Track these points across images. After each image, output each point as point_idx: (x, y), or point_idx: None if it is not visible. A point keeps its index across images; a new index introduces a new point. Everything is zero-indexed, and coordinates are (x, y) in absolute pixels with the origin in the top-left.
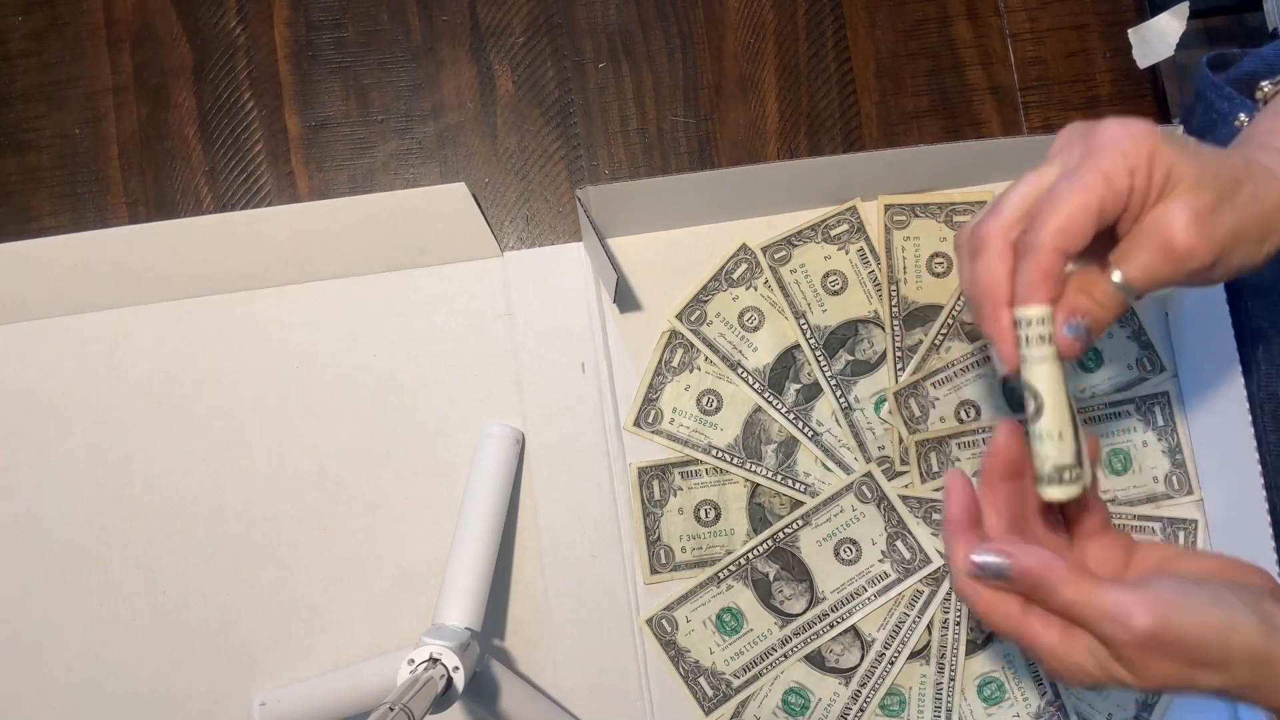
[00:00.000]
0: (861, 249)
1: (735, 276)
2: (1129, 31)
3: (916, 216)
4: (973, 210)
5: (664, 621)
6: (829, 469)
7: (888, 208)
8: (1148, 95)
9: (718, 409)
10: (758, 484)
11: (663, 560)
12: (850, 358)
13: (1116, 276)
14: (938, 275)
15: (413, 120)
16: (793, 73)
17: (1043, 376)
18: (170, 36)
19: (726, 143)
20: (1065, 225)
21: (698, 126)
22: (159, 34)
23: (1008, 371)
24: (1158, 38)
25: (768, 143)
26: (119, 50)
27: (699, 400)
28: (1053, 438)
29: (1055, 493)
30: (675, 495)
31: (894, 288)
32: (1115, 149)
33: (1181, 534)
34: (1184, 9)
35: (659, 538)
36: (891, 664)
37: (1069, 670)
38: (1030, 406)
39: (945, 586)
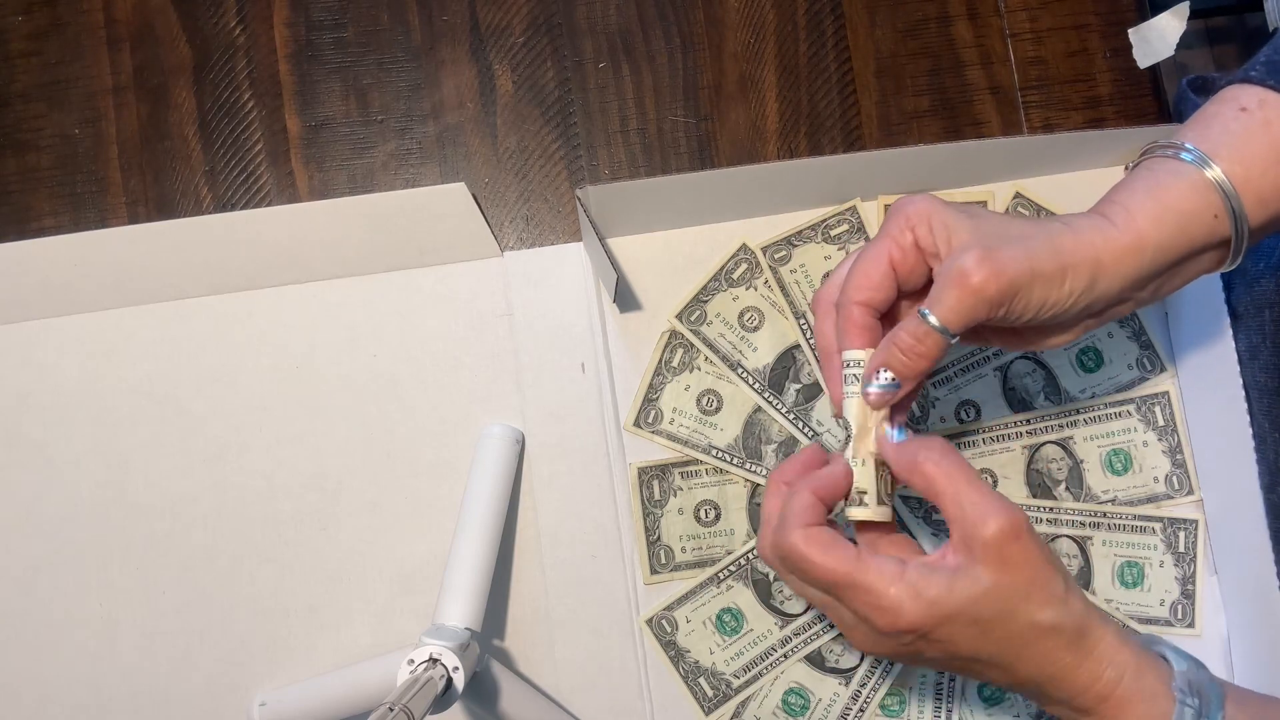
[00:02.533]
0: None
1: (735, 276)
2: (1129, 31)
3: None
4: None
5: (664, 621)
6: None
7: (888, 207)
8: (1148, 95)
9: (718, 409)
10: (758, 484)
11: (663, 560)
12: None
13: (930, 318)
14: None
15: (413, 120)
16: (793, 73)
17: (853, 410)
18: (170, 36)
19: (726, 143)
20: (861, 282)
21: (698, 126)
22: (159, 34)
23: (835, 412)
24: (1158, 37)
25: (768, 143)
26: (119, 50)
27: (699, 400)
28: (855, 464)
29: (854, 513)
30: (675, 495)
31: None
32: (899, 214)
33: (1182, 534)
34: (1184, 9)
35: (659, 538)
36: (891, 664)
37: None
38: (843, 435)
39: None
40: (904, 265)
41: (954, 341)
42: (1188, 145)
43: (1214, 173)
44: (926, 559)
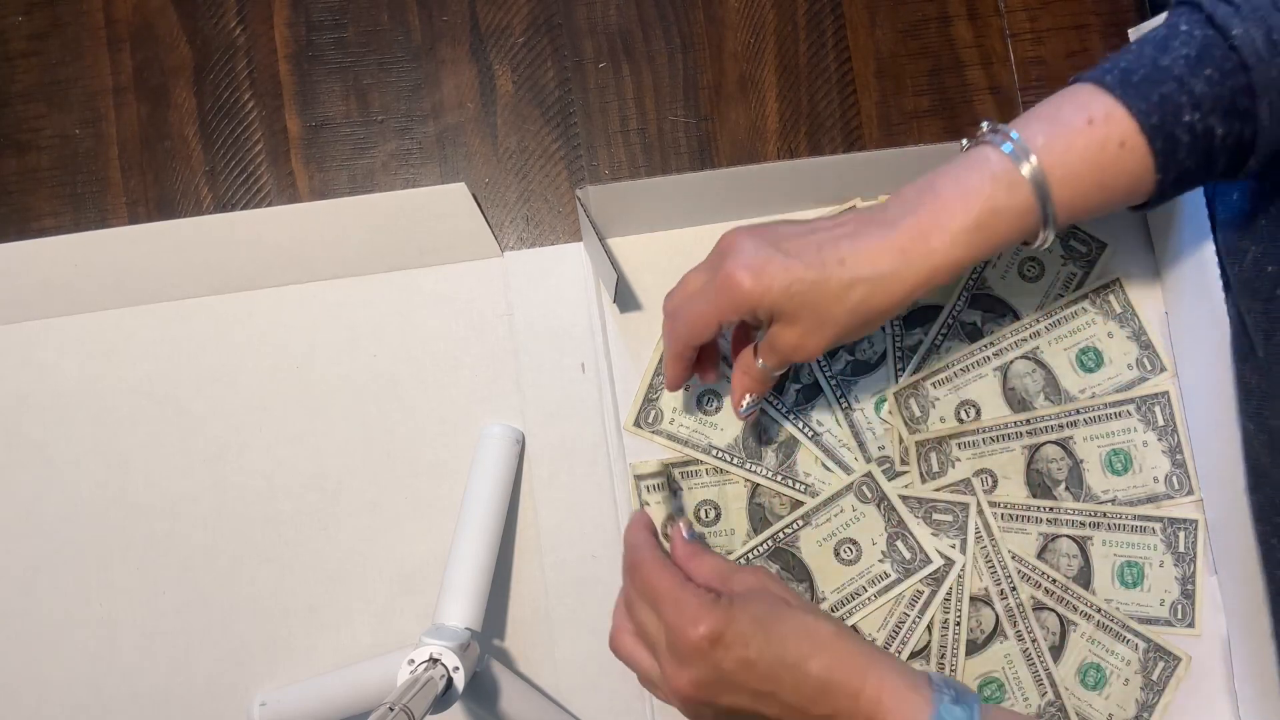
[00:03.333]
0: None
1: None
2: (1130, 31)
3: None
4: None
5: None
6: (829, 469)
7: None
8: None
9: (718, 409)
10: (758, 484)
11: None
12: (850, 358)
13: (759, 364)
14: None
15: (413, 120)
16: (793, 72)
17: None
18: (170, 37)
19: (726, 143)
20: (687, 334)
21: (698, 126)
22: (159, 34)
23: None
24: None
25: (768, 143)
26: (119, 50)
27: (699, 400)
28: None
29: None
30: (676, 495)
31: None
32: (733, 290)
33: (1182, 534)
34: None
35: (659, 538)
36: None
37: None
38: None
39: (946, 586)
40: (730, 320)
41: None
42: (1031, 158)
43: (1041, 190)
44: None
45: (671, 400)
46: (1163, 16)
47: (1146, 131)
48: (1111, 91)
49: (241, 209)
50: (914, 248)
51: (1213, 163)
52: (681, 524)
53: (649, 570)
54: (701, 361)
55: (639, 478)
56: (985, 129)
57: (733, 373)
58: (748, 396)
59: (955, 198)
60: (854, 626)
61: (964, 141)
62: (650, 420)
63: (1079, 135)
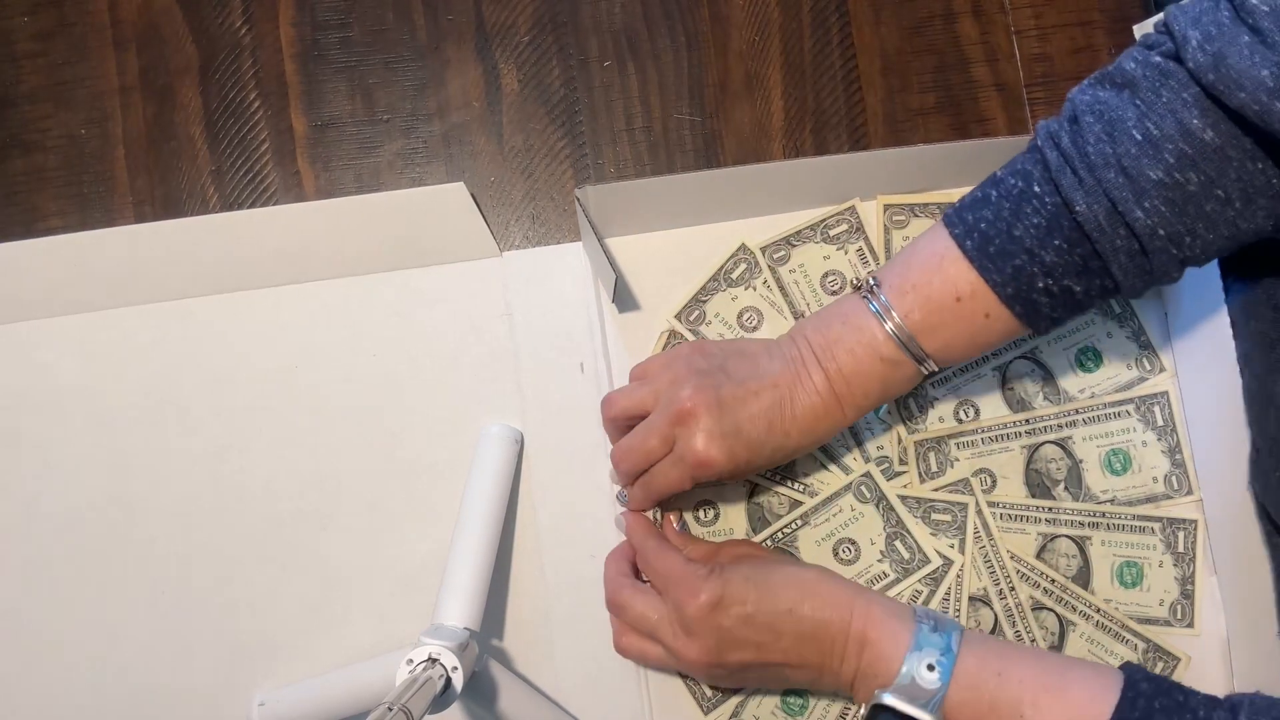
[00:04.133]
0: (861, 249)
1: (734, 276)
2: (1135, 28)
3: (915, 216)
4: None
5: None
6: (828, 469)
7: (887, 207)
8: None
9: None
10: (756, 484)
11: None
12: None
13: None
14: None
15: (418, 119)
16: (798, 70)
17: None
18: (176, 37)
19: (732, 141)
20: (658, 498)
21: (703, 124)
22: (165, 34)
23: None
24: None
25: (773, 140)
26: (125, 50)
27: None
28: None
29: None
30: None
31: None
32: (708, 470)
33: (1181, 534)
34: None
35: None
36: None
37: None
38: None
39: (945, 586)
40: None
41: None
42: (912, 343)
43: (921, 360)
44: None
45: None
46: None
47: (1005, 302)
48: (972, 262)
49: (247, 208)
50: (835, 416)
51: (1083, 307)
52: (672, 516)
53: (655, 556)
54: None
55: None
56: (865, 294)
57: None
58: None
59: (855, 375)
60: None
61: (851, 284)
62: None
63: (949, 311)
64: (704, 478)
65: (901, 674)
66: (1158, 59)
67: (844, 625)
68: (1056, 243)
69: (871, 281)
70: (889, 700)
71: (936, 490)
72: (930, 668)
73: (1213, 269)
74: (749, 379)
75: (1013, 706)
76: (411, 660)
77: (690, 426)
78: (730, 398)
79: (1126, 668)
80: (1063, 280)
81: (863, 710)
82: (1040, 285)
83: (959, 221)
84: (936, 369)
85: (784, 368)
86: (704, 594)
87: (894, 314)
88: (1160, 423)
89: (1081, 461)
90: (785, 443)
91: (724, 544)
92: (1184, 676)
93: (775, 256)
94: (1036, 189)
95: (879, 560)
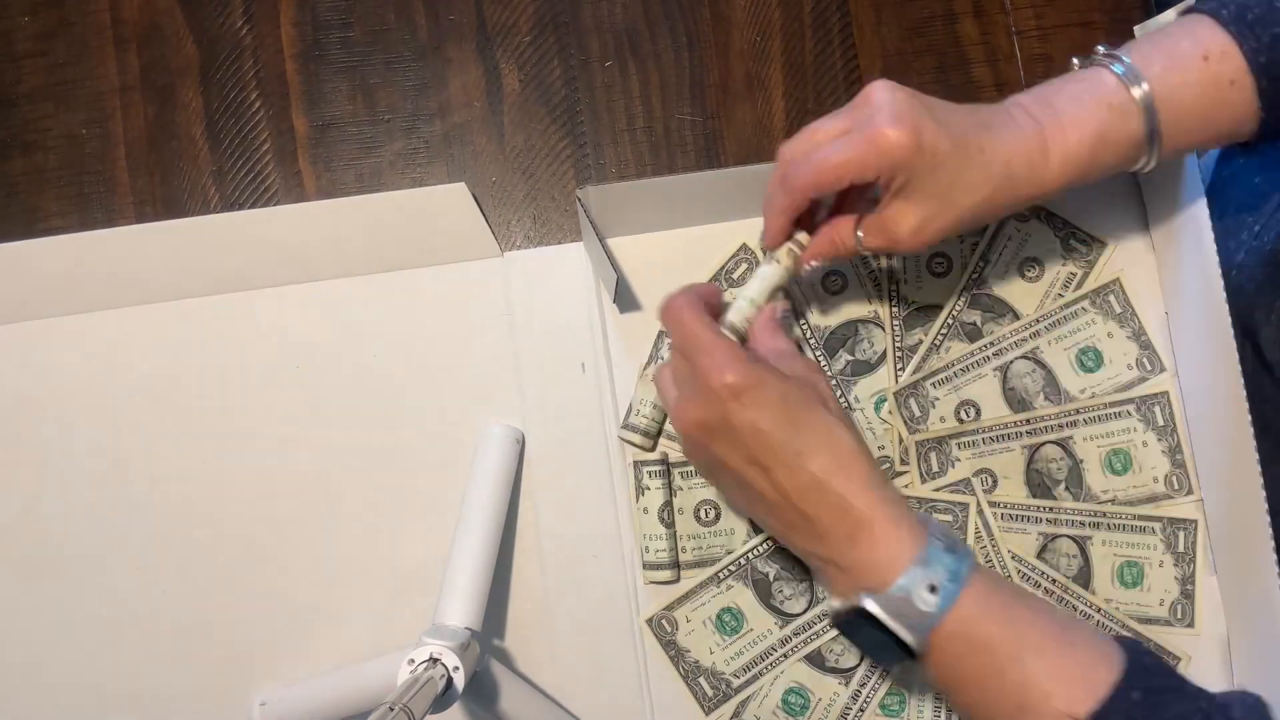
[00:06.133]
0: None
1: (735, 276)
2: (1135, 29)
3: (825, 264)
4: None
5: (664, 621)
6: None
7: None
8: None
9: None
10: None
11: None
12: (850, 358)
13: (858, 237)
14: (938, 275)
15: (419, 119)
16: (799, 70)
17: (767, 274)
18: (177, 36)
19: (733, 141)
20: (813, 182)
21: (704, 125)
22: (165, 34)
23: (764, 245)
24: None
25: (774, 140)
26: (126, 50)
27: None
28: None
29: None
30: (676, 495)
31: (894, 288)
32: (885, 142)
33: (1181, 534)
34: (1189, 5)
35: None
36: (888, 669)
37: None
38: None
39: None
40: (857, 181)
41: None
42: (1144, 85)
43: (1151, 120)
44: None
45: None
46: (1171, 14)
47: (1254, 70)
48: (1227, 27)
49: (248, 209)
50: (1038, 160)
51: None
52: (779, 305)
53: (688, 319)
54: (803, 221)
55: (639, 464)
56: (1101, 52)
57: (818, 233)
58: (818, 260)
59: (1073, 120)
60: None
61: (1075, 60)
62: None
63: (1193, 71)
64: (874, 161)
65: (897, 585)
66: None
67: (845, 505)
68: None
69: (1102, 48)
70: (872, 608)
71: (937, 490)
72: (932, 589)
73: (1213, 267)
74: (947, 102)
75: (1013, 652)
76: (413, 660)
77: (876, 104)
78: (930, 100)
79: (1127, 641)
80: None
81: (830, 603)
82: None
83: (1208, 1)
84: (1157, 148)
85: (988, 106)
86: (730, 375)
87: (1126, 59)
88: (1161, 423)
89: (1082, 461)
90: (979, 160)
91: (798, 359)
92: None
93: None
94: None
95: None
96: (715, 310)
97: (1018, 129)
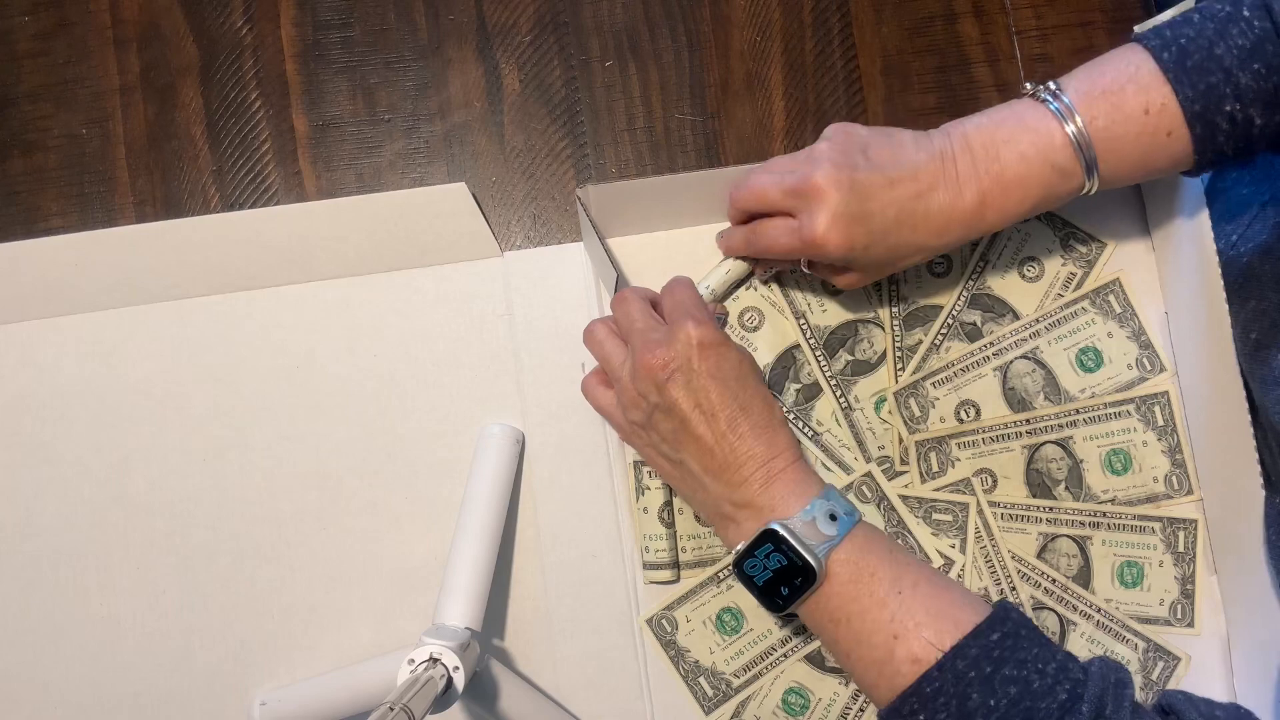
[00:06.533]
0: None
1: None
2: (1135, 28)
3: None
4: None
5: (664, 621)
6: (829, 469)
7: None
8: None
9: None
10: None
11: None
12: (850, 358)
13: (805, 271)
14: (938, 275)
15: (420, 119)
16: (799, 70)
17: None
18: (177, 36)
19: (733, 141)
20: (758, 252)
21: (704, 125)
22: (165, 34)
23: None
24: None
25: (775, 140)
26: (126, 50)
27: None
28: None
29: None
30: (676, 495)
31: (894, 288)
32: (822, 249)
33: (1181, 534)
34: (1189, 5)
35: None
36: None
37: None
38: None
39: None
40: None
41: None
42: (1091, 145)
43: (1091, 171)
44: None
45: None
46: (1171, 14)
47: (1189, 120)
48: (1166, 74)
49: (249, 208)
50: (973, 223)
51: (1250, 148)
52: (717, 309)
53: (677, 288)
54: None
55: (639, 464)
56: (1051, 97)
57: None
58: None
59: (1015, 179)
60: None
61: (1026, 85)
62: None
63: (1134, 124)
64: (815, 258)
65: (804, 510)
66: None
67: (769, 455)
68: (1256, 66)
69: (1053, 85)
70: (781, 530)
71: (937, 490)
72: (832, 517)
73: (1213, 267)
74: (889, 166)
75: (893, 583)
76: (413, 660)
77: (815, 203)
78: (865, 182)
79: (999, 601)
80: (1249, 108)
81: (739, 546)
82: (1226, 109)
83: (1156, 36)
84: (1093, 191)
85: (929, 161)
86: (705, 330)
87: (1078, 118)
88: (1160, 423)
89: (1082, 461)
90: (910, 239)
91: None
92: (1184, 676)
93: None
94: (1246, 13)
95: None
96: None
97: (956, 194)
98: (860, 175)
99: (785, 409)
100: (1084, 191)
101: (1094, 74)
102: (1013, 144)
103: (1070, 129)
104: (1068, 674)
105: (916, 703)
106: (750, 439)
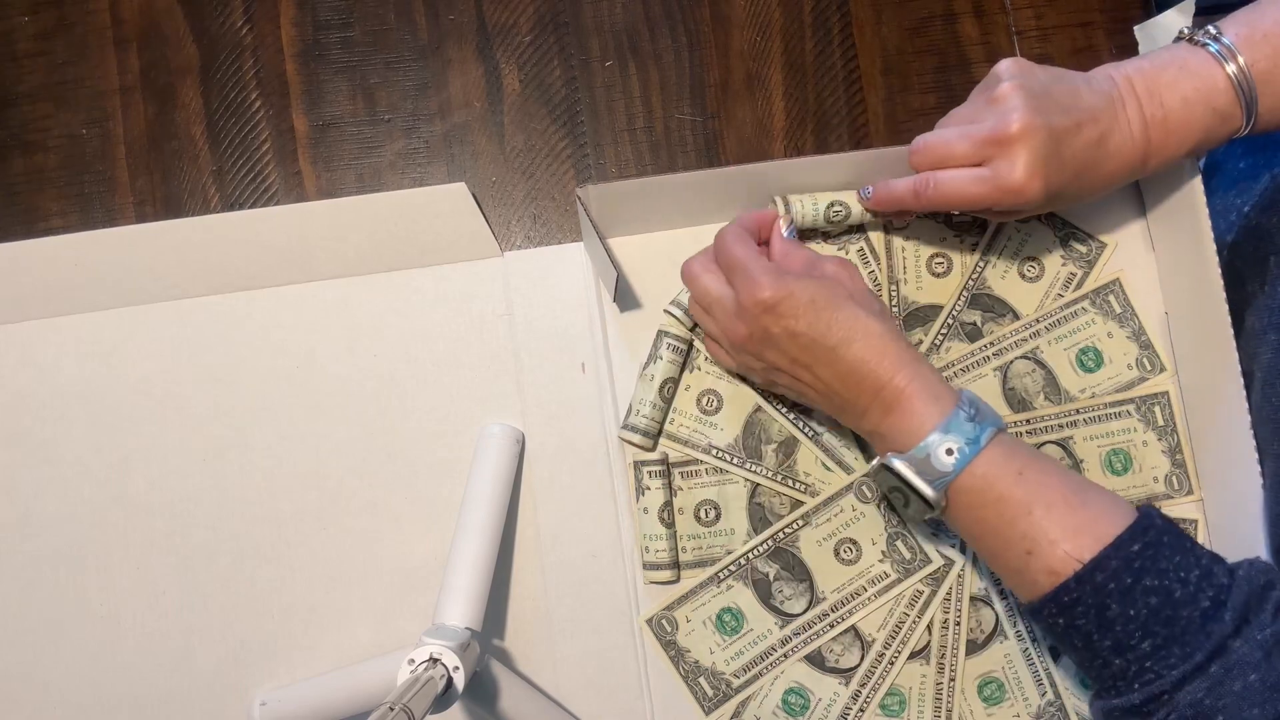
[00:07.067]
0: (861, 249)
1: None
2: (1135, 28)
3: (917, 217)
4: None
5: (664, 621)
6: (829, 469)
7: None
8: None
9: (718, 409)
10: (758, 484)
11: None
12: None
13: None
14: (938, 275)
15: (420, 119)
16: (799, 70)
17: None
18: (177, 36)
19: (733, 141)
20: (938, 204)
21: (704, 125)
22: (165, 34)
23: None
24: (1163, 34)
25: (774, 140)
26: (126, 50)
27: (699, 400)
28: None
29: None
30: (676, 495)
31: (894, 288)
32: (1018, 197)
33: None
34: (1189, 5)
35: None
36: (891, 664)
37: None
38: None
39: (946, 586)
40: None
41: None
42: (1252, 84)
43: (1250, 117)
44: None
45: (674, 400)
46: (1171, 13)
47: None
48: None
49: (249, 209)
50: (1138, 167)
51: None
52: (782, 223)
53: (730, 243)
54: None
55: (639, 464)
56: (1204, 39)
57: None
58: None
59: (1179, 123)
60: (853, 628)
61: (1184, 29)
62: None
63: None
64: (1011, 205)
65: (917, 448)
66: None
67: (878, 386)
68: None
69: (1212, 29)
70: (895, 465)
71: None
72: (949, 452)
73: (1213, 267)
74: (1073, 110)
75: (1023, 505)
76: (413, 660)
77: (1013, 150)
78: (1060, 128)
79: (1144, 506)
80: None
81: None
82: None
83: None
84: (1244, 133)
85: (1106, 105)
86: (764, 292)
87: (1239, 58)
88: (1160, 423)
89: (1082, 461)
90: (1091, 182)
91: (827, 261)
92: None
93: None
94: None
95: (880, 560)
96: (762, 238)
97: (1128, 138)
98: (1054, 120)
99: (785, 409)
100: (1237, 133)
101: (1254, 17)
102: (1175, 88)
103: (1231, 69)
104: (1211, 580)
105: (1055, 608)
106: (856, 375)
